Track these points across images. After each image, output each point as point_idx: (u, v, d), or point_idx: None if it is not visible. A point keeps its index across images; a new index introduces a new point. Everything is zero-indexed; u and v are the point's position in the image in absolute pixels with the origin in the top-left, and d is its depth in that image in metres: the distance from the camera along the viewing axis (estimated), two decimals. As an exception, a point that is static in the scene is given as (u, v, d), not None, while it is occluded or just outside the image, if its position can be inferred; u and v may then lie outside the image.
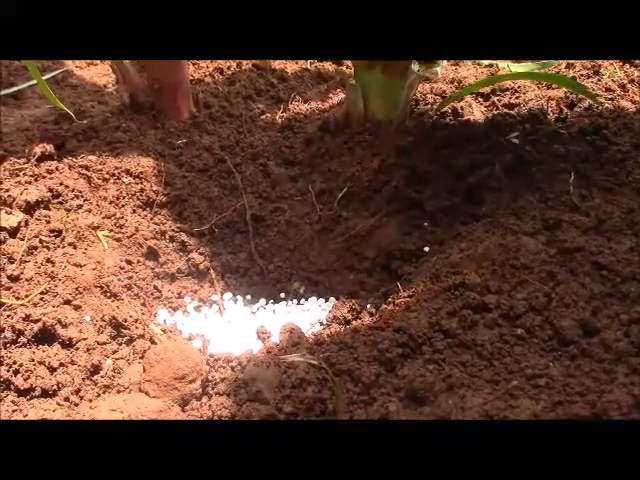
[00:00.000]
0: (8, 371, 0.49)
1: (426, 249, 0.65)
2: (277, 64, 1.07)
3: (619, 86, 0.80)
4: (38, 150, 0.70)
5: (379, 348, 0.49)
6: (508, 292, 0.51)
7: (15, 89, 1.01)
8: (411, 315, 0.51)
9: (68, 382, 0.50)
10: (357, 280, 0.69)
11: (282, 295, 0.71)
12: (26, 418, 0.46)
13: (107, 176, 0.72)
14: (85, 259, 0.62)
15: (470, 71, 0.92)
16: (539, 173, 0.66)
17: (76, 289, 0.58)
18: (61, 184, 0.68)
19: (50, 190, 0.67)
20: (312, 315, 0.66)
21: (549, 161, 0.67)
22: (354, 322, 0.61)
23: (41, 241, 0.61)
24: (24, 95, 1.02)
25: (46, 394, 0.49)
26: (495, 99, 0.80)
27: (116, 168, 0.73)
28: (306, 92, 1.00)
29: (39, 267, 0.59)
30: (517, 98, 0.79)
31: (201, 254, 0.72)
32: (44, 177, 0.69)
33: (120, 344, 0.56)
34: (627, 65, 0.85)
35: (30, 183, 0.67)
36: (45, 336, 0.53)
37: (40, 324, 0.52)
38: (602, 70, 0.84)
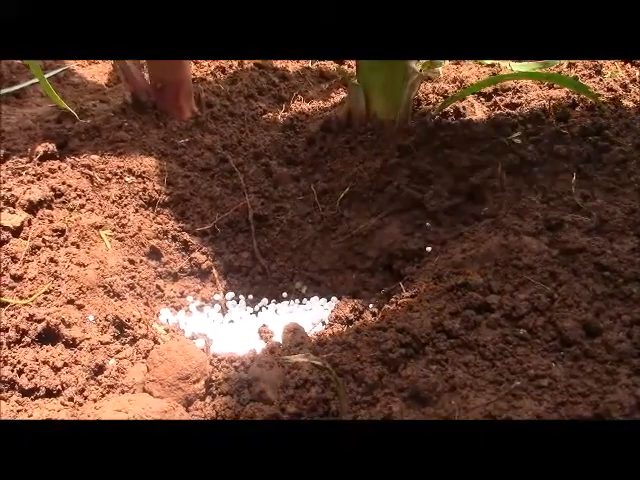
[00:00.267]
0: (12, 371, 0.50)
1: (428, 249, 0.65)
2: (279, 63, 1.07)
3: (621, 86, 0.80)
4: (41, 149, 0.70)
5: (382, 348, 0.49)
6: (510, 292, 0.52)
7: (17, 87, 1.01)
8: (414, 315, 0.51)
9: (72, 382, 0.50)
10: (359, 280, 0.69)
11: (284, 294, 0.71)
12: (31, 418, 0.46)
13: (109, 175, 0.72)
14: (88, 259, 0.62)
15: (472, 71, 0.92)
16: (541, 173, 0.66)
17: (79, 289, 0.58)
18: (64, 183, 0.68)
19: (53, 189, 0.67)
20: (314, 315, 0.67)
21: (551, 161, 0.67)
22: (356, 322, 0.61)
23: (44, 241, 0.61)
24: (26, 94, 1.02)
25: (50, 394, 0.49)
26: (497, 99, 0.80)
27: (118, 167, 0.73)
28: (308, 91, 1.00)
29: (42, 267, 0.59)
30: (519, 98, 0.79)
31: (203, 253, 0.72)
32: (47, 176, 0.69)
33: (123, 344, 0.56)
34: (629, 65, 0.85)
35: (33, 182, 0.67)
36: (49, 336, 0.53)
37: (44, 324, 0.52)
38: (604, 70, 0.84)
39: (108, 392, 0.51)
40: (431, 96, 0.84)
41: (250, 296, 0.71)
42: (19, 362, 0.50)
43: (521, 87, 0.81)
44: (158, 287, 0.68)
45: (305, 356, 0.45)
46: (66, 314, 0.55)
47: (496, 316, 0.50)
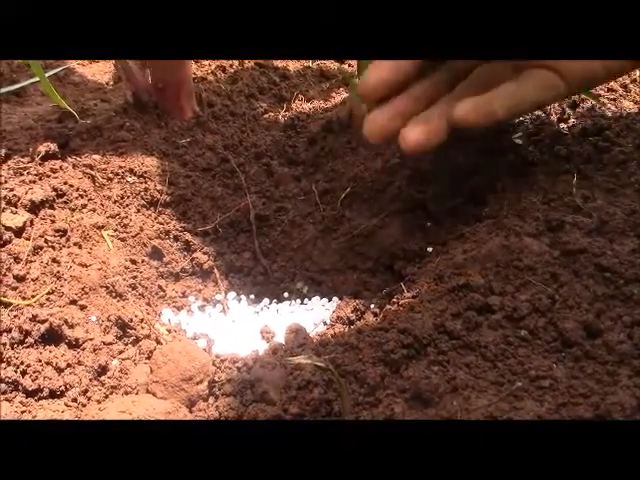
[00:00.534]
0: (16, 372, 0.50)
1: (429, 250, 0.65)
2: (279, 62, 1.07)
3: (621, 86, 0.80)
4: (42, 149, 0.70)
5: (384, 349, 0.49)
6: (512, 294, 0.52)
7: (18, 86, 1.01)
8: (415, 316, 0.52)
9: (75, 383, 0.51)
10: (360, 280, 0.69)
11: (286, 295, 0.71)
12: (35, 419, 0.47)
13: (111, 175, 0.73)
14: (90, 259, 0.62)
15: (472, 70, 0.92)
16: (542, 174, 0.66)
17: (82, 289, 0.58)
18: (65, 183, 0.68)
19: (55, 189, 0.67)
20: (316, 315, 0.67)
21: (552, 162, 0.67)
22: (358, 322, 0.61)
23: (46, 241, 0.61)
24: (27, 92, 1.02)
25: (54, 395, 0.50)
26: (498, 99, 0.80)
27: (120, 167, 0.73)
28: (309, 91, 1.00)
29: (45, 267, 0.59)
30: (520, 98, 0.79)
31: (205, 253, 0.72)
32: (48, 176, 0.69)
33: (126, 344, 0.57)
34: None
35: (35, 182, 0.67)
36: (52, 336, 0.53)
37: (47, 324, 0.53)
38: (604, 70, 0.84)
39: (111, 393, 0.51)
40: (432, 96, 0.84)
41: (252, 296, 0.72)
42: (22, 363, 0.50)
43: (522, 87, 0.81)
44: (160, 287, 0.68)
45: (308, 357, 0.45)
46: (69, 315, 0.55)
47: (497, 317, 0.50)
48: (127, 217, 0.70)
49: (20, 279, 0.57)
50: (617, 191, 0.62)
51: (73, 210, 0.66)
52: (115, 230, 0.68)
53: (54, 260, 0.60)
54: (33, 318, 0.53)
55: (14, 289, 0.56)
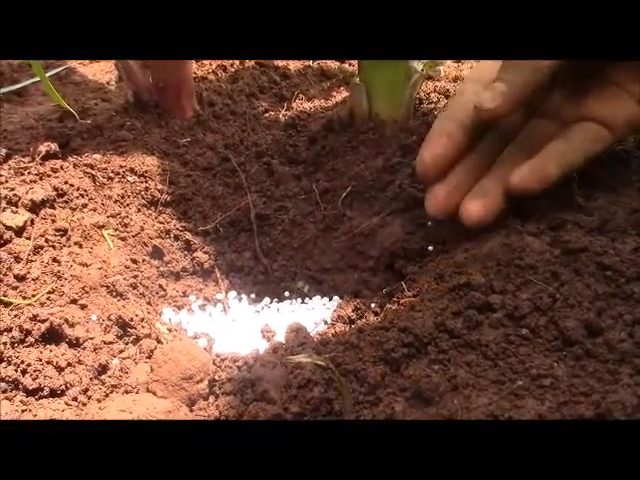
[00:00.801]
0: (16, 371, 0.50)
1: (430, 248, 0.65)
2: (280, 61, 1.07)
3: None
4: (43, 149, 0.70)
5: (384, 348, 0.49)
6: (513, 292, 0.52)
7: (19, 86, 1.01)
8: (416, 315, 0.52)
9: (76, 382, 0.51)
10: (361, 279, 0.69)
11: (286, 294, 0.71)
12: (36, 418, 0.47)
13: (112, 175, 0.73)
14: (91, 258, 0.62)
15: (473, 69, 0.92)
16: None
17: (82, 288, 0.58)
18: (66, 183, 0.68)
19: (55, 189, 0.67)
20: (316, 314, 0.67)
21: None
22: (359, 321, 0.61)
23: (47, 240, 0.62)
24: (27, 92, 1.02)
25: (54, 394, 0.50)
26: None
27: (121, 167, 0.73)
28: (309, 90, 1.00)
29: (45, 266, 0.59)
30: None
31: (206, 253, 0.72)
32: (49, 176, 0.69)
33: (127, 343, 0.56)
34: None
35: (35, 182, 0.67)
36: (52, 336, 0.53)
37: (47, 324, 0.53)
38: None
39: (112, 392, 0.51)
40: (432, 95, 0.85)
41: (252, 295, 0.72)
42: (23, 362, 0.50)
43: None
44: (160, 286, 0.68)
45: (308, 356, 0.45)
46: (69, 314, 0.55)
47: (498, 316, 0.50)
48: (128, 216, 0.70)
49: (21, 278, 0.57)
50: (618, 190, 0.62)
51: (74, 209, 0.66)
52: (116, 229, 0.68)
53: (55, 259, 0.60)
54: (34, 317, 0.53)
55: (15, 288, 0.57)
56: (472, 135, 0.62)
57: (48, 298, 0.56)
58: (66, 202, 0.67)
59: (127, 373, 0.52)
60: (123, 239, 0.68)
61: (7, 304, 0.55)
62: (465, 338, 0.49)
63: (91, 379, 0.52)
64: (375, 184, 0.73)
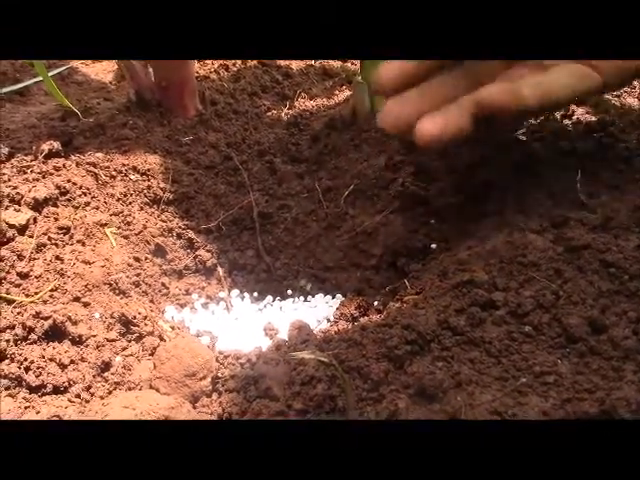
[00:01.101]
0: (19, 368, 0.50)
1: (433, 246, 0.65)
2: (282, 61, 1.07)
3: (625, 83, 0.80)
4: (45, 147, 0.71)
5: (388, 345, 0.49)
6: (516, 289, 0.51)
7: (21, 86, 1.01)
8: (419, 312, 0.51)
9: (79, 379, 0.51)
10: (364, 277, 0.69)
11: (289, 292, 0.71)
12: (39, 414, 0.47)
13: (114, 173, 0.73)
14: (94, 256, 0.62)
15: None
16: (546, 170, 0.66)
17: (85, 286, 0.58)
18: (69, 181, 0.68)
19: (58, 187, 0.67)
20: (319, 312, 0.67)
21: (556, 158, 0.67)
22: (362, 319, 0.61)
23: (50, 238, 0.62)
24: (30, 92, 1.02)
25: (57, 391, 0.50)
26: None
27: (123, 165, 0.73)
28: (312, 89, 1.00)
29: (48, 264, 0.59)
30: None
31: (208, 251, 0.72)
32: (52, 174, 0.69)
33: (129, 341, 0.56)
34: (633, 62, 0.85)
35: (38, 180, 0.68)
36: (55, 333, 0.53)
37: (50, 321, 0.53)
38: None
39: (115, 389, 0.51)
40: (435, 93, 0.84)
41: (255, 293, 0.72)
42: (26, 359, 0.50)
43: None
44: (163, 284, 0.68)
45: (311, 353, 0.45)
46: (72, 311, 0.55)
47: (501, 313, 0.50)
48: (130, 215, 0.70)
49: (24, 276, 0.57)
50: (621, 187, 0.62)
51: (76, 208, 0.66)
52: (118, 228, 0.68)
53: (57, 257, 0.60)
54: (37, 315, 0.53)
55: (18, 286, 0.57)
56: (445, 64, 0.59)
57: (51, 296, 0.57)
58: (69, 200, 0.67)
59: (130, 370, 0.53)
60: (126, 237, 0.68)
61: (10, 302, 0.55)
62: (468, 335, 0.49)
63: (94, 376, 0.52)
64: (378, 182, 0.73)
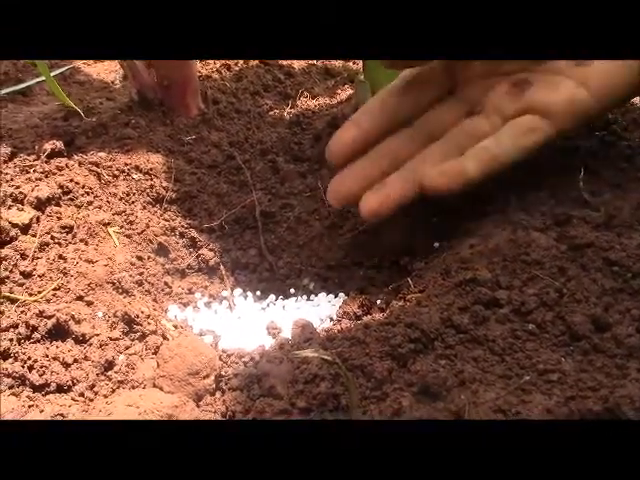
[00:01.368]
0: (23, 367, 0.50)
1: (436, 245, 0.65)
2: (284, 60, 1.07)
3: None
4: (48, 147, 0.71)
5: (391, 343, 0.49)
6: (519, 288, 0.51)
7: (23, 86, 1.01)
8: (422, 311, 0.51)
9: (82, 378, 0.51)
10: (367, 276, 0.69)
11: (292, 291, 0.71)
12: (43, 413, 0.47)
13: (117, 172, 0.73)
14: (97, 255, 0.62)
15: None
16: (549, 168, 0.66)
17: (88, 285, 0.58)
18: (71, 181, 0.68)
19: (61, 187, 0.67)
20: (322, 311, 0.67)
21: (558, 156, 0.67)
22: (365, 318, 0.61)
23: (53, 237, 0.62)
24: (32, 92, 1.02)
25: (61, 389, 0.50)
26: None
27: (126, 164, 0.74)
28: (314, 88, 1.00)
29: (51, 263, 0.59)
30: (526, 93, 0.79)
31: (211, 250, 0.72)
32: (54, 174, 0.69)
33: (133, 340, 0.56)
34: (636, 60, 0.85)
35: (41, 180, 0.68)
36: (59, 332, 0.53)
37: (54, 320, 0.53)
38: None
39: (118, 387, 0.51)
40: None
41: (258, 292, 0.72)
42: (29, 358, 0.51)
43: (527, 83, 0.81)
44: (166, 283, 0.68)
45: (315, 351, 0.45)
46: (75, 310, 0.55)
47: (505, 311, 0.50)
48: (133, 214, 0.70)
49: (27, 275, 0.58)
50: (624, 185, 0.62)
51: (79, 207, 0.66)
52: (121, 227, 0.68)
53: (60, 256, 0.60)
54: (40, 314, 0.53)
55: (21, 285, 0.57)
56: (385, 128, 0.60)
57: (54, 295, 0.57)
58: (71, 200, 0.67)
59: (133, 369, 0.53)
60: (128, 236, 0.68)
61: (13, 301, 0.55)
62: (472, 333, 0.49)
63: (97, 375, 0.52)
64: (380, 181, 0.73)
